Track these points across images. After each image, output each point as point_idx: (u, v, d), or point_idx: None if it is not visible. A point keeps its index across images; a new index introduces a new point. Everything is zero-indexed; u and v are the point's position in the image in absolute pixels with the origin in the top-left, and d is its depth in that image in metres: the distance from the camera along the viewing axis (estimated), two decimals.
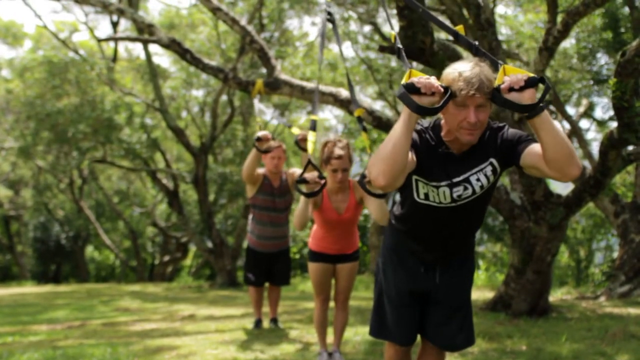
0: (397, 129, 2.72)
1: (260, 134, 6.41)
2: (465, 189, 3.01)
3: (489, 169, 3.01)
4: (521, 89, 2.65)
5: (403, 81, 2.72)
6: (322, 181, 4.36)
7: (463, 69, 2.82)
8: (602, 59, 12.22)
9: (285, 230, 7.17)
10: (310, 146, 4.47)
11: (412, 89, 2.67)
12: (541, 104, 2.65)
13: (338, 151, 4.86)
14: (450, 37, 3.50)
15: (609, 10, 10.81)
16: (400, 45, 3.11)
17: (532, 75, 2.66)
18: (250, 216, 7.15)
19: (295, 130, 5.90)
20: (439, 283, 3.31)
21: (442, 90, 2.71)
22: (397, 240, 3.38)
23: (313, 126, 4.53)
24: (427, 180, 3.04)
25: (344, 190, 5.08)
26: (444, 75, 2.90)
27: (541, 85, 2.66)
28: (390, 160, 2.70)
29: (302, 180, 4.38)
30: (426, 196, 3.09)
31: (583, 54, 11.85)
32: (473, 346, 5.80)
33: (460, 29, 3.05)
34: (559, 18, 7.93)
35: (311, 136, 4.48)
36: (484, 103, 2.82)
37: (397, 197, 3.38)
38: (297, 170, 6.61)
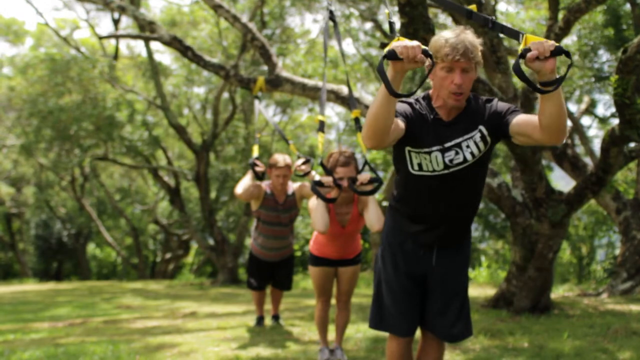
0: (379, 98, 2.80)
1: (256, 161, 6.37)
2: (457, 153, 3.15)
3: (477, 136, 3.15)
4: (545, 58, 2.70)
5: (386, 48, 2.74)
6: (336, 189, 4.49)
7: (449, 36, 3.04)
8: (604, 56, 12.23)
9: (289, 241, 7.01)
10: (319, 147, 4.53)
11: (393, 56, 2.71)
12: (557, 79, 2.73)
13: (343, 159, 4.86)
14: None
15: (610, 7, 10.80)
16: (392, 20, 3.25)
17: (557, 44, 2.69)
18: (254, 225, 7.01)
19: (293, 147, 5.95)
20: (435, 265, 3.36)
21: (424, 58, 2.73)
22: (396, 223, 3.44)
23: (321, 127, 4.58)
24: (418, 149, 3.16)
25: (348, 203, 5.05)
26: (432, 42, 3.09)
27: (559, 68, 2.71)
28: (373, 126, 2.85)
29: (318, 183, 4.47)
30: (420, 166, 3.20)
31: (584, 51, 11.85)
32: (475, 343, 5.82)
33: (473, 7, 3.13)
34: (561, 15, 7.92)
35: (319, 137, 4.54)
36: (469, 67, 3.04)
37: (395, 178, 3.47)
38: (306, 184, 6.44)
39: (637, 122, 6.41)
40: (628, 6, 10.90)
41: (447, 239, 3.35)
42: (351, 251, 5.33)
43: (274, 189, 6.61)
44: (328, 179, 4.50)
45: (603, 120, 15.94)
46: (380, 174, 16.61)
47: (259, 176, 6.38)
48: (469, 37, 3.03)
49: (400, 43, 2.70)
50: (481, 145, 3.16)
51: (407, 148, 3.19)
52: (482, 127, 3.15)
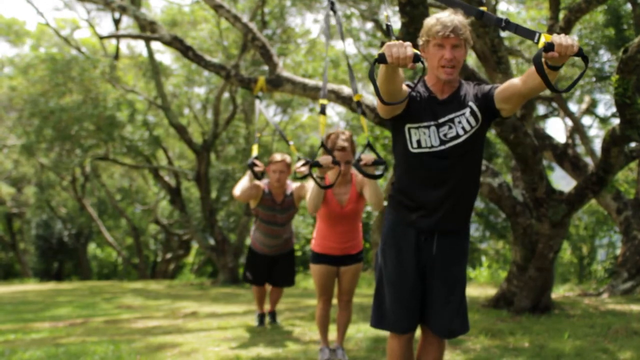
0: (381, 78, 3.02)
1: (256, 161, 6.38)
2: (450, 128, 3.36)
3: (468, 112, 3.37)
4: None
5: (379, 52, 2.87)
6: (335, 169, 4.57)
7: (440, 16, 3.30)
8: (605, 55, 12.22)
9: (287, 237, 7.01)
10: (321, 128, 4.62)
11: (384, 61, 2.86)
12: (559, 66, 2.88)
13: (341, 143, 4.93)
14: None
15: (611, 7, 10.80)
16: (389, 23, 3.55)
17: (580, 48, 2.78)
18: (254, 220, 7.03)
19: (293, 148, 5.99)
20: (435, 254, 3.42)
21: (412, 61, 2.82)
22: (397, 216, 3.51)
23: (323, 110, 4.63)
24: (417, 124, 3.37)
25: (346, 184, 5.14)
26: (424, 24, 3.34)
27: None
28: (385, 108, 3.23)
29: (315, 163, 4.46)
30: (419, 143, 3.38)
31: (585, 51, 11.82)
32: (475, 343, 5.82)
33: (484, 8, 3.22)
34: (561, 15, 7.92)
35: (321, 119, 4.62)
36: (459, 43, 3.28)
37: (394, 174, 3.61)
38: (305, 185, 6.41)
39: (638, 122, 6.41)
40: (629, 6, 10.89)
41: (446, 225, 3.41)
42: (353, 245, 5.32)
43: (271, 187, 6.58)
44: (327, 160, 4.50)
45: (604, 120, 15.94)
46: (379, 171, 16.51)
47: (258, 176, 6.37)
48: (459, 17, 3.29)
49: (393, 49, 2.81)
50: (472, 120, 3.36)
51: (407, 125, 3.38)
52: (471, 104, 3.37)
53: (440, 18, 3.27)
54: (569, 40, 2.75)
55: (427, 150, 3.36)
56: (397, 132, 3.43)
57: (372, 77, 2.89)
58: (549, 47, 2.74)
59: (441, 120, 3.35)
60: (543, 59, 2.80)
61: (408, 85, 3.31)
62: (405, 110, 3.32)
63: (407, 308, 3.44)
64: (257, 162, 6.37)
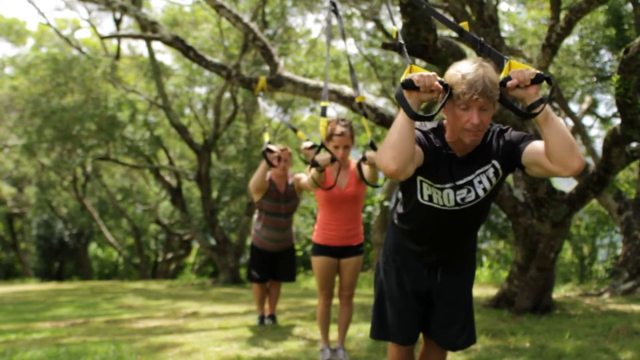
0: (400, 120, 2.74)
1: (270, 146, 6.40)
2: (469, 192, 3.02)
3: (491, 171, 3.02)
4: (526, 86, 2.71)
5: (402, 77, 2.73)
6: (335, 163, 4.76)
7: (466, 70, 2.81)
8: (605, 55, 12.20)
9: (289, 233, 7.22)
10: (322, 130, 4.69)
11: (410, 85, 2.70)
12: (542, 100, 2.71)
13: (340, 129, 5.04)
14: (454, 34, 3.54)
15: (612, 7, 10.80)
16: (402, 41, 3.15)
17: (539, 72, 2.70)
18: (256, 216, 7.17)
19: (301, 135, 6.03)
20: (440, 283, 3.32)
21: (441, 87, 2.74)
22: (400, 241, 3.37)
23: (323, 112, 4.69)
24: (432, 182, 3.04)
25: (345, 169, 5.24)
26: (447, 76, 2.88)
27: (545, 87, 2.72)
28: (398, 147, 2.71)
29: (314, 164, 4.68)
30: (430, 198, 3.09)
31: (586, 51, 11.84)
32: (476, 343, 5.80)
33: (464, 25, 3.07)
34: (562, 15, 7.92)
35: (322, 121, 4.70)
36: (488, 105, 2.83)
37: (400, 196, 3.39)
38: (303, 176, 6.46)
39: (639, 122, 6.40)
40: (630, 6, 10.89)
41: (450, 261, 3.31)
42: (354, 234, 5.35)
43: (275, 177, 6.85)
44: (325, 160, 4.66)
45: (605, 120, 15.95)
46: (382, 174, 16.57)
47: (272, 163, 6.40)
48: (488, 72, 2.81)
49: (417, 72, 2.72)
50: (493, 180, 3.04)
51: (420, 178, 3.06)
52: (495, 162, 3.01)
53: (467, 75, 2.78)
54: (525, 69, 2.70)
55: (438, 207, 3.08)
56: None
57: (400, 96, 2.69)
58: (506, 79, 2.71)
59: (459, 183, 3.01)
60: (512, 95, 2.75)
61: (423, 132, 3.02)
62: (421, 165, 2.93)
63: (409, 325, 3.38)
64: (271, 146, 6.42)
